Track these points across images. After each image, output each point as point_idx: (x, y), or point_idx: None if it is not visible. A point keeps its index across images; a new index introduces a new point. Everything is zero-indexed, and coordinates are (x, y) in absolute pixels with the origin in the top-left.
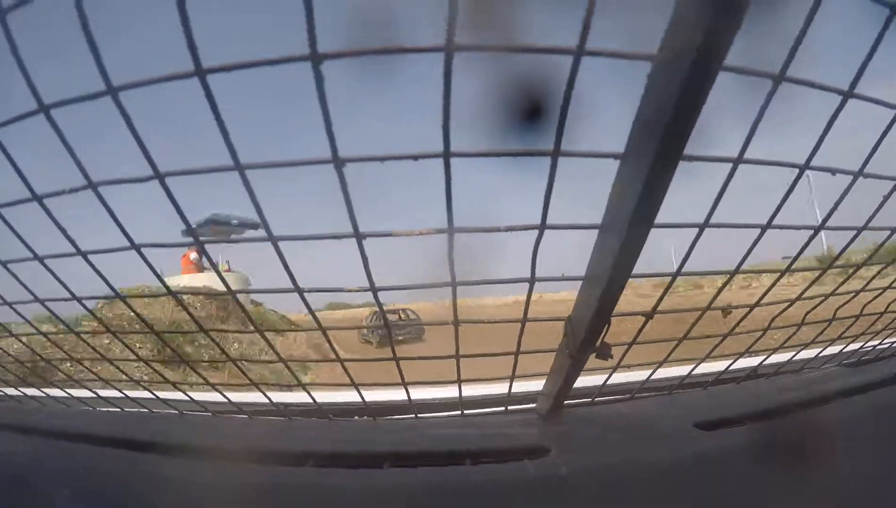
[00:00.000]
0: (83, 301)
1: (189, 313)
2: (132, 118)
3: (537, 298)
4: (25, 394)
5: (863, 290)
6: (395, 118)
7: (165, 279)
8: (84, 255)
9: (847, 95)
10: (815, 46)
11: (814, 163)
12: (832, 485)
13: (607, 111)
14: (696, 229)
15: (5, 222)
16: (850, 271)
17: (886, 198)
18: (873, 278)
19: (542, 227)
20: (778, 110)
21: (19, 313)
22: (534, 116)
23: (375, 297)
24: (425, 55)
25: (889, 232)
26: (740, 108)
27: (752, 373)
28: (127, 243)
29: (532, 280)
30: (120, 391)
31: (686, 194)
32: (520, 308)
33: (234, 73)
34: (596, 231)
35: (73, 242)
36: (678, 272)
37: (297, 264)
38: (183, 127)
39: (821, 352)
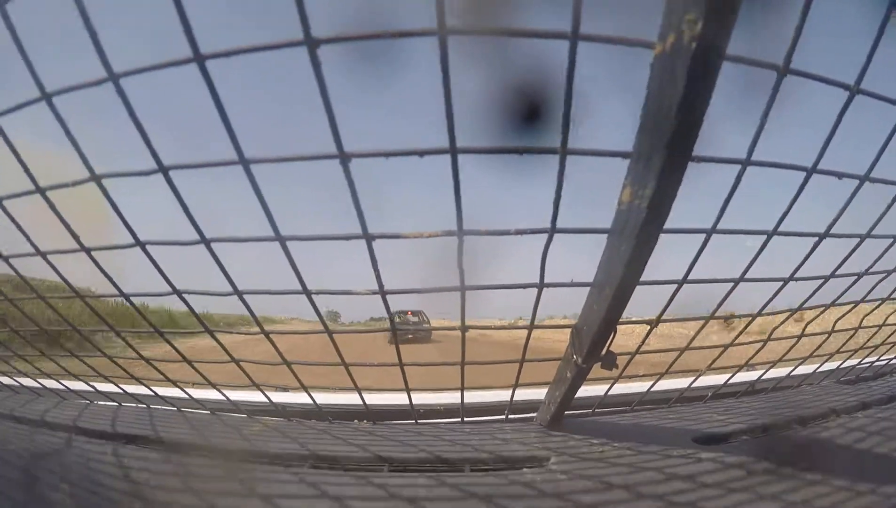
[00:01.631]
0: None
1: (193, 312)
2: (137, 116)
3: None
4: (22, 385)
5: (863, 301)
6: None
7: None
8: (87, 251)
9: (854, 90)
10: (816, 46)
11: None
12: (830, 503)
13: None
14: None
15: (6, 213)
16: (852, 280)
17: (890, 205)
18: (874, 287)
19: (552, 231)
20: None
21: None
22: (533, 120)
23: (384, 300)
24: (423, 57)
25: (892, 240)
26: (739, 116)
27: (751, 388)
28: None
29: (541, 285)
30: (117, 386)
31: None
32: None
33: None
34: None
35: (76, 237)
36: (684, 280)
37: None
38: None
39: (819, 367)
